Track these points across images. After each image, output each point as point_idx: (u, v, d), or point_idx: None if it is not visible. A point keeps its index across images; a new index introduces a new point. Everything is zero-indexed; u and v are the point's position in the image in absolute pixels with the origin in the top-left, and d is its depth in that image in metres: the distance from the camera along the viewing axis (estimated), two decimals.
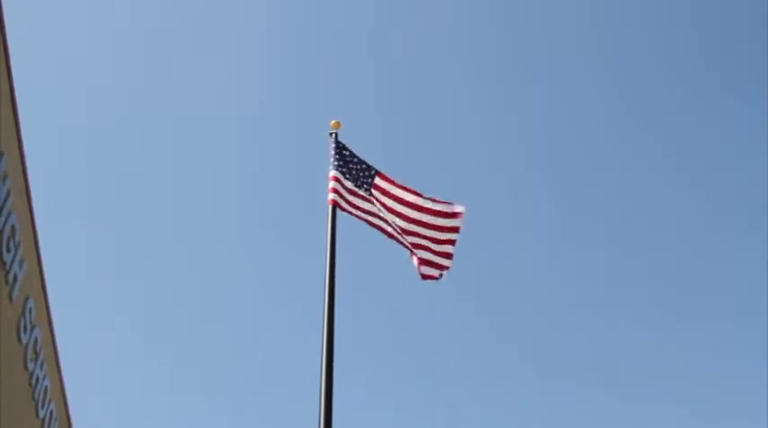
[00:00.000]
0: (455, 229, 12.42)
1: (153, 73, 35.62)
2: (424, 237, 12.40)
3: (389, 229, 12.45)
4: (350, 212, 12.18)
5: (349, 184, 12.33)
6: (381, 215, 12.41)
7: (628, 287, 37.92)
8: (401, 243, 12.48)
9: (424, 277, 12.48)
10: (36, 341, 10.03)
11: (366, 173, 12.58)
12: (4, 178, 8.52)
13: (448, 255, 12.44)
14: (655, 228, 37.62)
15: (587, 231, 38.49)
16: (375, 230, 12.46)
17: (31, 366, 9.95)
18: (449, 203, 12.52)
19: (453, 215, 12.44)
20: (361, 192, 12.39)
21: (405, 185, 12.56)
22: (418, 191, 12.50)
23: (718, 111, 37.21)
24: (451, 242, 12.43)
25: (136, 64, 35.53)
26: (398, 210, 12.38)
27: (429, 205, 12.44)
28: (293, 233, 36.55)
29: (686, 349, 36.62)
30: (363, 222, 12.38)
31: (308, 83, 36.21)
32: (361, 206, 12.34)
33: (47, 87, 32.33)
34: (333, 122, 12.87)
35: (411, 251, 12.47)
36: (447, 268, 12.46)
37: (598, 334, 37.28)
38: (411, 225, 12.36)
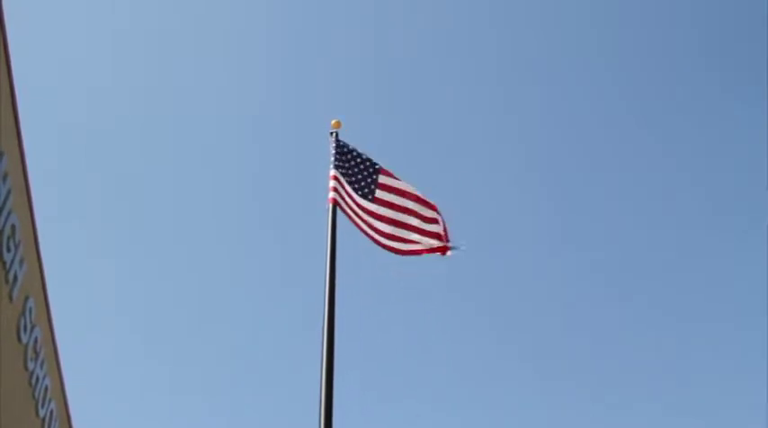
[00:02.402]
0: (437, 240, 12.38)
1: (153, 73, 35.65)
2: (412, 241, 12.36)
3: (377, 236, 12.28)
4: (346, 213, 12.10)
5: (348, 187, 12.29)
6: (375, 221, 12.33)
7: (628, 287, 37.92)
8: (388, 247, 12.31)
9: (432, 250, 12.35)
10: (36, 340, 10.04)
11: (369, 172, 12.51)
12: (5, 178, 8.53)
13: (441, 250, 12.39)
14: (655, 228, 37.63)
15: (587, 231, 38.51)
16: (365, 236, 12.31)
17: (31, 365, 9.96)
18: (438, 218, 12.45)
19: (440, 236, 12.36)
20: (359, 196, 12.31)
21: (403, 183, 12.58)
22: (419, 196, 12.51)
23: (718, 111, 37.25)
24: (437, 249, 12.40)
25: (136, 64, 35.57)
26: (403, 205, 12.37)
27: (423, 212, 12.41)
28: (293, 233, 36.55)
29: (686, 349, 36.63)
30: (355, 226, 12.25)
31: (308, 82, 36.23)
32: (355, 209, 12.25)
33: (47, 87, 32.37)
34: (333, 122, 12.83)
35: (398, 250, 12.35)
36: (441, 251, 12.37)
37: (598, 335, 37.28)
38: (399, 229, 12.32)
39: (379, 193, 12.44)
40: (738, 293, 36.80)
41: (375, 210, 12.30)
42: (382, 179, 12.53)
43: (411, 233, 12.34)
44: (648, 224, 37.85)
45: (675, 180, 37.72)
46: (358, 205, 12.27)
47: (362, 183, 12.45)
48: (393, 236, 12.29)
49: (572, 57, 36.81)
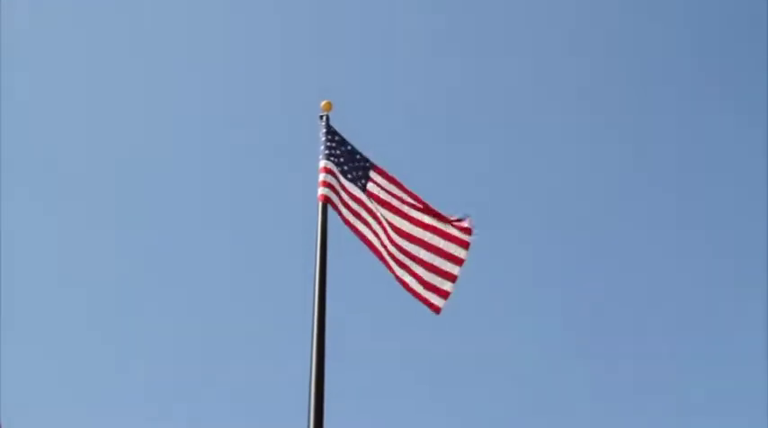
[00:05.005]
0: (460, 261, 10.42)
1: (153, 72, 35.55)
2: (419, 260, 10.46)
3: (377, 244, 10.49)
4: (341, 214, 10.43)
5: (344, 180, 10.56)
6: (374, 223, 10.58)
7: (626, 288, 37.80)
8: (386, 263, 10.47)
9: (423, 300, 10.32)
10: None
11: (360, 165, 10.73)
12: None
13: (450, 277, 10.41)
14: (655, 229, 37.53)
15: (588, 233, 38.34)
16: (363, 242, 10.51)
17: None
18: (455, 221, 10.49)
19: (460, 241, 10.41)
20: (357, 191, 10.57)
21: (404, 185, 10.69)
22: (419, 198, 10.62)
23: (718, 114, 37.25)
24: (452, 276, 10.42)
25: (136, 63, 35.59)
26: (391, 221, 10.51)
27: (434, 223, 10.49)
28: (284, 234, 36.14)
29: (686, 349, 36.53)
30: (352, 230, 10.47)
31: (304, 78, 35.93)
32: (355, 208, 10.53)
33: (46, 88, 32.39)
34: (323, 103, 10.89)
35: (396, 273, 10.46)
36: (447, 293, 10.35)
37: (596, 337, 37.11)
38: (405, 241, 10.46)
39: (370, 186, 10.69)
40: (738, 294, 36.82)
41: (373, 208, 10.52)
42: (373, 176, 10.70)
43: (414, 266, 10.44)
44: (649, 225, 37.78)
45: (675, 182, 37.79)
46: (357, 200, 10.56)
47: (357, 173, 10.67)
48: (399, 246, 10.45)
49: (571, 56, 36.47)
